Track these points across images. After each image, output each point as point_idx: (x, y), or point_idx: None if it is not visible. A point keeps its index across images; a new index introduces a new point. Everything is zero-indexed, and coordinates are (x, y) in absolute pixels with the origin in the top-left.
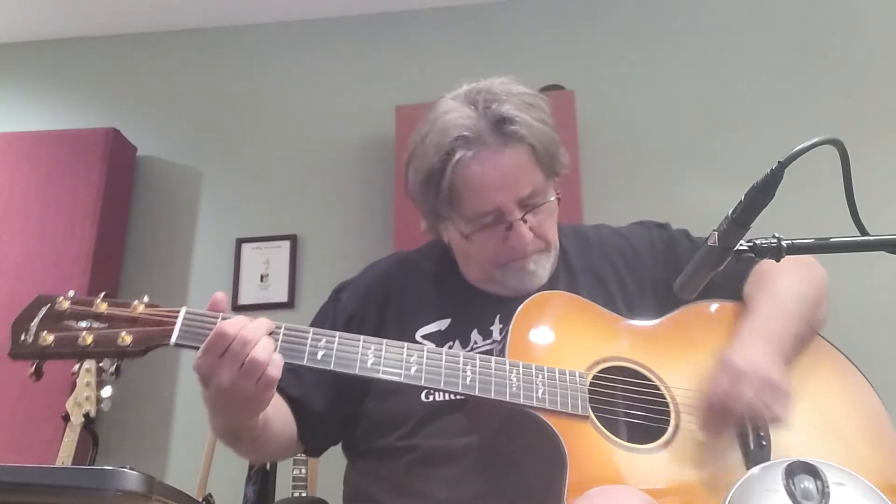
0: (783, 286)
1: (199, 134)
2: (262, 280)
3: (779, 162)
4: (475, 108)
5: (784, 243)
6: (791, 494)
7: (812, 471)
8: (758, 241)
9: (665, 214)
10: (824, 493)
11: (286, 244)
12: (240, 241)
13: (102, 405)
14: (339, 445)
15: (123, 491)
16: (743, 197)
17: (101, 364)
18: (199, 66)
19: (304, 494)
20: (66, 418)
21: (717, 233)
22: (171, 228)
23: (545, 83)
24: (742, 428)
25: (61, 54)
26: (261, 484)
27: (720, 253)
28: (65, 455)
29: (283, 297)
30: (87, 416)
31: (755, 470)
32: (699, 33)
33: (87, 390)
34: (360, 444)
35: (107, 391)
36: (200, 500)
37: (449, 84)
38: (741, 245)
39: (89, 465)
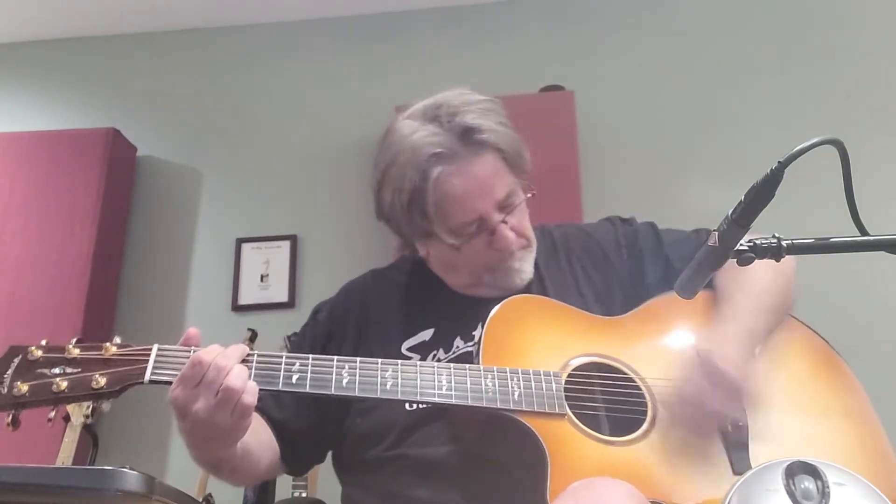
0: (756, 276)
1: (199, 134)
2: (262, 280)
3: (779, 162)
4: (439, 124)
5: (784, 243)
6: (791, 494)
7: (812, 471)
8: (758, 241)
9: (665, 214)
10: (824, 493)
11: (286, 244)
12: (240, 241)
13: (103, 405)
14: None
15: (123, 491)
16: (743, 197)
17: None
18: (199, 66)
19: (304, 495)
20: (66, 418)
21: (717, 233)
22: (171, 228)
23: (545, 83)
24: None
25: (61, 54)
26: (261, 484)
27: (720, 253)
28: (65, 455)
29: (284, 297)
30: (87, 416)
31: (755, 469)
32: (699, 33)
33: None
34: (348, 458)
35: None
36: (200, 500)
37: (449, 84)
38: (741, 245)
39: (89, 465)
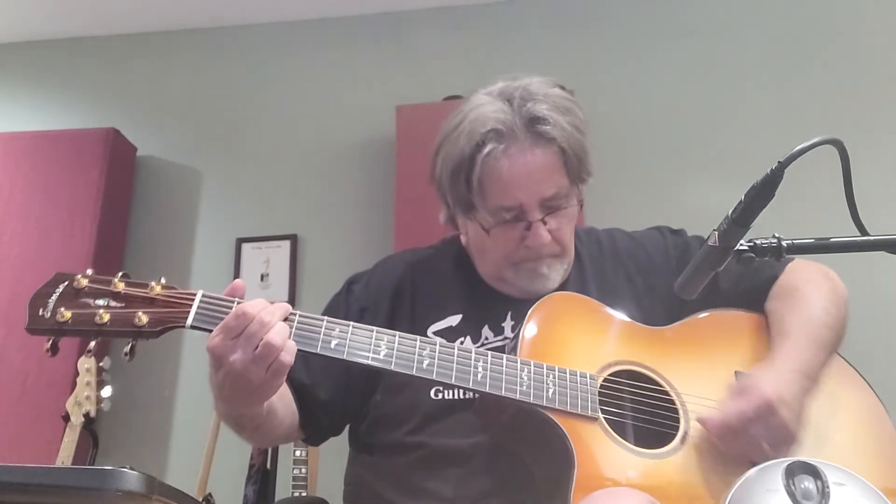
0: (816, 308)
1: (199, 134)
2: (262, 280)
3: (779, 162)
4: (510, 105)
5: (784, 243)
6: (791, 494)
7: (812, 471)
8: (758, 241)
9: (665, 214)
10: (824, 493)
11: (286, 244)
12: (240, 241)
13: (102, 405)
14: (345, 439)
15: (123, 491)
16: (743, 197)
17: (101, 364)
18: (199, 66)
19: (304, 494)
20: (66, 418)
21: (717, 233)
22: (171, 228)
23: None
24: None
25: (61, 54)
26: (261, 484)
27: (720, 253)
28: (65, 455)
29: (284, 297)
30: (87, 416)
31: (755, 470)
32: (700, 33)
33: (87, 390)
34: (367, 437)
35: (107, 391)
36: (200, 500)
37: (449, 84)
38: (741, 245)
39: (89, 465)
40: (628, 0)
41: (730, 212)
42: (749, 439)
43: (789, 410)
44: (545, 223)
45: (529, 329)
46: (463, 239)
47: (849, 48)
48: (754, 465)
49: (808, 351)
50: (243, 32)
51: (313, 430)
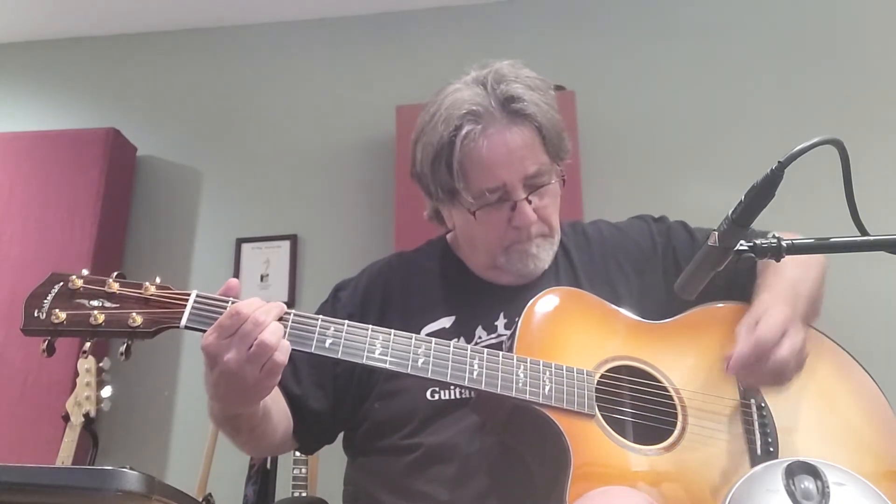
0: (791, 270)
1: (199, 134)
2: (262, 280)
3: (779, 162)
4: (484, 88)
5: (784, 243)
6: (791, 494)
7: (812, 471)
8: (758, 241)
9: (665, 214)
10: (824, 493)
11: (286, 244)
12: (240, 241)
13: (102, 405)
14: (340, 442)
15: (123, 491)
16: (743, 197)
17: (101, 364)
18: (199, 66)
19: (304, 494)
20: (66, 418)
21: (717, 233)
22: (171, 228)
23: None
24: (749, 425)
25: (61, 54)
26: (261, 484)
27: (720, 253)
28: (65, 455)
29: (284, 297)
30: (87, 416)
31: (756, 470)
32: (700, 33)
33: (87, 390)
34: (363, 443)
35: (107, 391)
36: (200, 500)
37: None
38: (741, 245)
39: (89, 465)
40: (628, 0)
41: (730, 212)
42: (778, 361)
43: (799, 328)
44: (530, 202)
45: (525, 326)
46: (449, 237)
47: (849, 48)
48: (753, 461)
49: (787, 300)
50: (243, 32)
51: (305, 438)
